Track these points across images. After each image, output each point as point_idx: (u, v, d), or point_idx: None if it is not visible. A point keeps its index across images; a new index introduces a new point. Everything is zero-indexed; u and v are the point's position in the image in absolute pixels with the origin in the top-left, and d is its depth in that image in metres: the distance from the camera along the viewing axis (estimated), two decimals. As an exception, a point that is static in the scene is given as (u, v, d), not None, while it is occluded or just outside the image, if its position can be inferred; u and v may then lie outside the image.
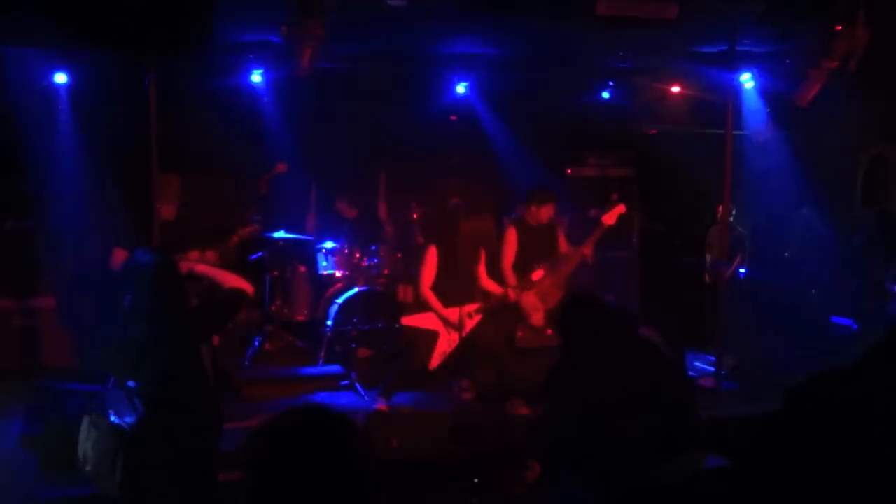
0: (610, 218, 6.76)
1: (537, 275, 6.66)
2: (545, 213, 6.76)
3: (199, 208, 6.96)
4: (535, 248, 6.76)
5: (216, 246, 6.60)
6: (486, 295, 6.47)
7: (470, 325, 6.26)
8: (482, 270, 6.50)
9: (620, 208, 6.84)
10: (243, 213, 7.49)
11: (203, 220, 7.01)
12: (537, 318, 6.65)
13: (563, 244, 6.90)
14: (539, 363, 7.40)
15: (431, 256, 6.29)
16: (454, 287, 6.25)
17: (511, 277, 6.67)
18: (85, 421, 3.71)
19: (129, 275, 3.81)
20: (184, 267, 4.13)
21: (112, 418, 3.58)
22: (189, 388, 3.79)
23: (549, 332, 7.08)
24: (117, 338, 3.78)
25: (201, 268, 4.32)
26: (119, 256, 5.93)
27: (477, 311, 6.34)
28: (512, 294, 6.50)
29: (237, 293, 4.07)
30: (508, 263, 6.71)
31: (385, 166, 8.28)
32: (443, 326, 6.30)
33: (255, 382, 7.00)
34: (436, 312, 6.28)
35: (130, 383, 3.67)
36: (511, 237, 6.78)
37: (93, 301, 6.69)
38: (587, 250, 6.75)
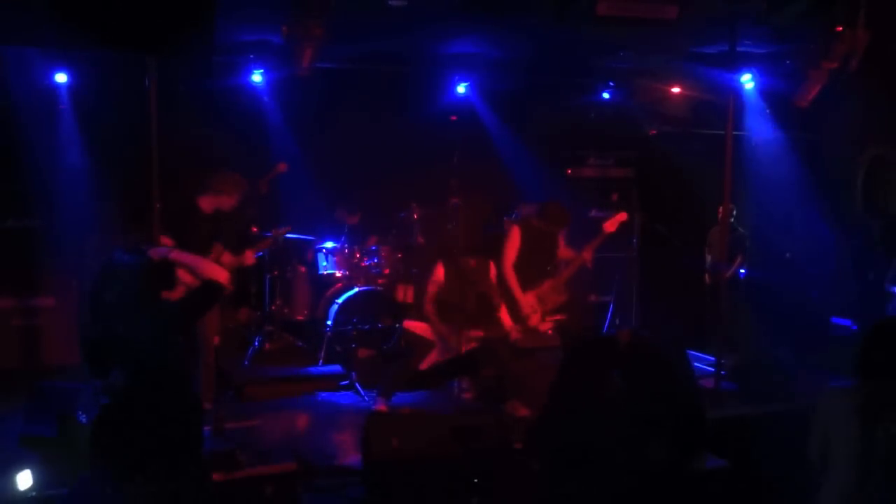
0: (611, 226, 6.87)
1: (544, 327, 6.70)
2: (557, 231, 6.79)
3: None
4: (538, 250, 6.77)
5: (239, 250, 6.56)
6: (494, 321, 6.45)
7: (467, 348, 6.25)
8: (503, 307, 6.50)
9: (622, 216, 6.90)
10: (243, 212, 7.47)
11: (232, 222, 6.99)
12: (535, 319, 6.68)
13: (562, 248, 6.93)
14: (539, 363, 7.44)
15: (439, 273, 6.33)
16: (458, 306, 6.24)
17: (512, 277, 6.67)
18: (61, 422, 3.71)
19: (108, 274, 3.81)
20: (158, 255, 4.12)
21: (81, 419, 3.58)
22: (166, 379, 3.79)
23: (549, 332, 7.10)
24: (95, 335, 3.78)
25: (176, 255, 4.30)
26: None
27: (478, 340, 6.32)
28: (515, 335, 6.51)
29: (213, 284, 4.05)
30: (510, 263, 6.72)
31: (384, 166, 8.27)
32: (440, 342, 6.31)
33: (255, 382, 6.99)
34: (435, 331, 6.30)
35: (97, 382, 3.67)
36: (514, 237, 6.77)
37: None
38: (587, 256, 6.83)
